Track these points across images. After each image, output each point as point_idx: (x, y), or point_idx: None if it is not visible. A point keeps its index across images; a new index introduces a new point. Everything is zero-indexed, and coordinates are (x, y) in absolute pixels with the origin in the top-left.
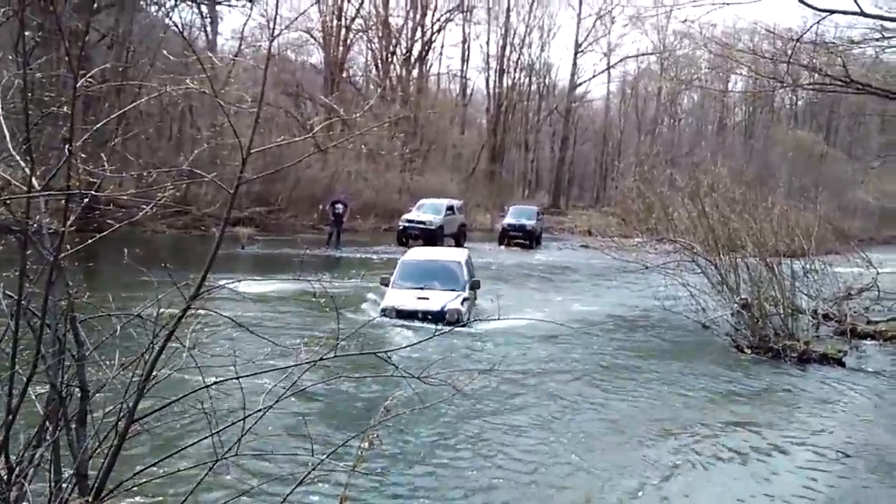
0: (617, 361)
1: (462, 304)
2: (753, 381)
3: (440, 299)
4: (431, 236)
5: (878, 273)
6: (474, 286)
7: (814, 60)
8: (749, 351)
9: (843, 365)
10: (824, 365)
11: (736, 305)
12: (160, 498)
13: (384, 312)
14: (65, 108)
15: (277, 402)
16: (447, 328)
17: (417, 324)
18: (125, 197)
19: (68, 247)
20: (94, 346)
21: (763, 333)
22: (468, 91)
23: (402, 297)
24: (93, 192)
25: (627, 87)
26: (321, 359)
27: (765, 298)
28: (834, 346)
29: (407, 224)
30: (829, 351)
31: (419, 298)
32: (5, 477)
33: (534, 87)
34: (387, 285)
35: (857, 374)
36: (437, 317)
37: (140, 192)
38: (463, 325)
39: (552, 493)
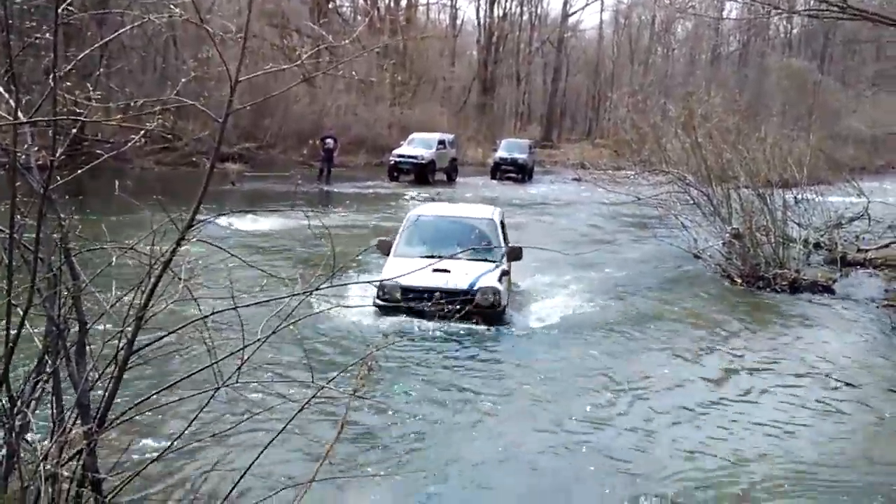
0: (608, 292)
1: (499, 280)
2: (744, 310)
3: (467, 273)
4: (423, 171)
5: (868, 201)
6: (514, 256)
7: None
8: (740, 280)
9: (832, 292)
10: (815, 293)
11: (728, 235)
12: (162, 428)
13: (383, 291)
14: (47, 35)
15: (275, 332)
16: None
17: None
18: (113, 123)
19: (58, 178)
20: (89, 278)
21: (754, 263)
22: (458, 22)
23: (410, 269)
24: (81, 119)
25: (621, 16)
26: (317, 288)
27: (756, 228)
28: (824, 273)
29: (398, 159)
30: (819, 279)
31: (436, 271)
32: (8, 407)
33: (525, 16)
34: (387, 252)
35: (847, 300)
36: (463, 298)
37: (128, 118)
38: (501, 312)
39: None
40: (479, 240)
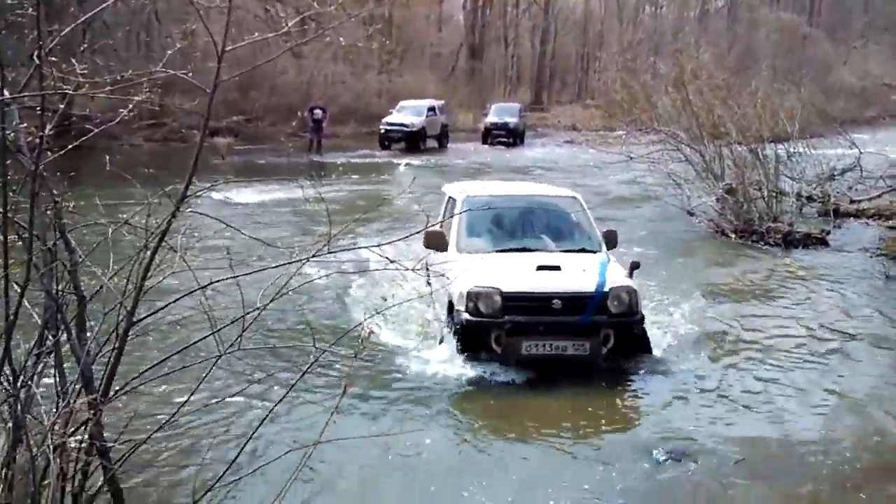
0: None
1: (630, 275)
2: (739, 264)
3: (584, 269)
4: (414, 138)
5: (860, 153)
6: (612, 244)
7: None
8: (734, 235)
9: (826, 244)
10: (808, 245)
11: (720, 191)
12: (166, 396)
13: (474, 304)
14: (30, 10)
15: (274, 299)
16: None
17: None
18: (101, 95)
19: (48, 153)
20: (85, 253)
21: (747, 217)
22: None
23: (498, 269)
24: (69, 92)
25: None
26: (314, 255)
27: (749, 183)
28: (817, 226)
29: (388, 127)
30: (812, 231)
31: (541, 269)
32: (11, 381)
33: None
34: (442, 249)
35: (840, 252)
36: (592, 304)
37: (116, 90)
38: (639, 321)
39: None
40: (570, 225)
